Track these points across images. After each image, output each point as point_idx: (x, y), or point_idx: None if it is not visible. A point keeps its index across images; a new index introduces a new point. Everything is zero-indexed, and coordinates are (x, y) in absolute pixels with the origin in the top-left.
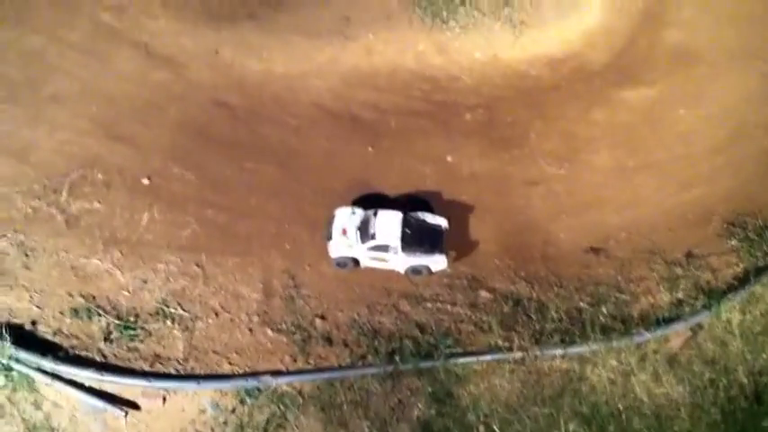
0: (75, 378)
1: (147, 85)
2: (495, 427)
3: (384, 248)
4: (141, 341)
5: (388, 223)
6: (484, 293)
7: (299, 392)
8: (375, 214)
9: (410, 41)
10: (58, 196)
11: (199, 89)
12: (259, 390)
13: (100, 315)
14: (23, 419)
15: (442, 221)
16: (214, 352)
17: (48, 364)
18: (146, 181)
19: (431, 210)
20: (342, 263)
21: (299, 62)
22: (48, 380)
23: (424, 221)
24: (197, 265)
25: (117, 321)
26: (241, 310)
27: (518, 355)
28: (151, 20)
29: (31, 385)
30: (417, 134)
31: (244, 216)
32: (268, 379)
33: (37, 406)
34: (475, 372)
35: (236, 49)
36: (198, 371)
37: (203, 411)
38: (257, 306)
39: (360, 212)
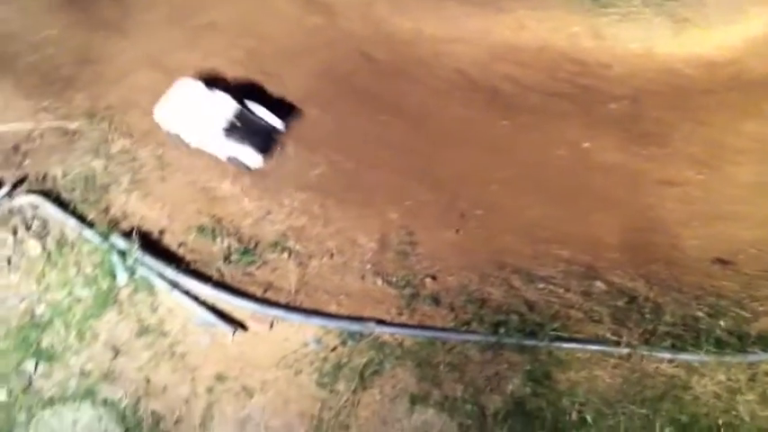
0: (192, 291)
1: (302, 27)
2: (588, 417)
3: (206, 130)
4: (257, 268)
5: (218, 107)
6: (599, 284)
7: (400, 345)
8: (209, 95)
9: (565, 21)
10: None
11: (349, 38)
12: (362, 334)
13: (223, 236)
14: (139, 319)
15: (276, 122)
16: (324, 291)
17: (169, 273)
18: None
19: (276, 109)
20: (168, 133)
21: (448, 27)
22: (167, 287)
23: (256, 116)
24: (320, 206)
25: (237, 245)
26: (355, 257)
27: (625, 351)
28: None
29: (150, 289)
30: (556, 115)
31: (371, 167)
32: (372, 325)
33: (153, 309)
34: (577, 359)
35: (390, 5)
36: (306, 305)
37: (306, 345)
38: (372, 255)
39: (199, 88)
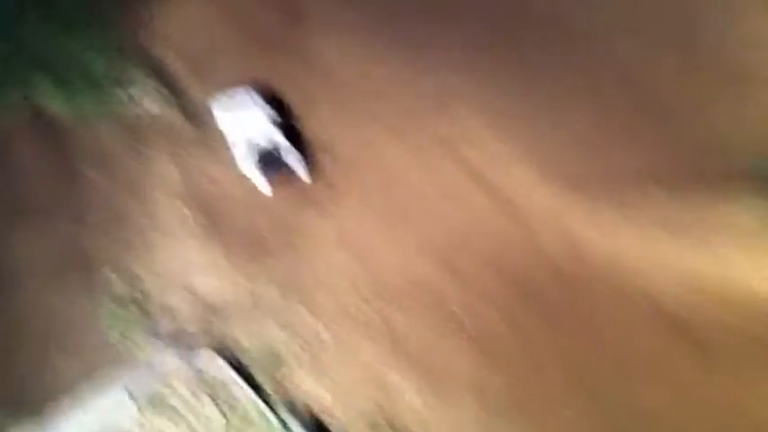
0: None
1: (488, 226)
2: None
3: (246, 140)
4: None
5: (269, 133)
6: None
7: None
8: (269, 124)
9: None
10: (384, 304)
11: (535, 244)
12: None
13: None
14: None
15: (302, 172)
16: None
17: None
18: (457, 309)
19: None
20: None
21: (647, 252)
22: None
23: (280, 160)
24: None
25: None
26: None
27: None
28: (512, 176)
29: None
30: (757, 368)
31: (544, 387)
32: None
33: None
34: None
35: (585, 218)
36: None
37: None
38: None
39: (267, 113)
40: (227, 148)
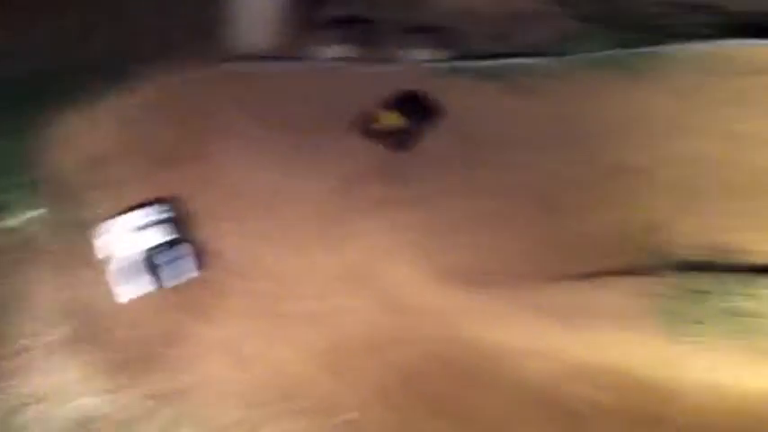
0: None
1: (375, 325)
2: None
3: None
4: None
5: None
6: None
7: None
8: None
9: (640, 347)
10: (263, 410)
11: (422, 339)
12: None
13: None
14: None
15: (192, 271)
16: None
17: None
18: (353, 415)
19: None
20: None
21: (532, 340)
22: None
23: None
24: None
25: None
26: None
27: None
28: (401, 275)
29: None
30: None
31: None
32: None
33: None
34: None
35: (480, 315)
36: None
37: None
38: None
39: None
40: (108, 266)
